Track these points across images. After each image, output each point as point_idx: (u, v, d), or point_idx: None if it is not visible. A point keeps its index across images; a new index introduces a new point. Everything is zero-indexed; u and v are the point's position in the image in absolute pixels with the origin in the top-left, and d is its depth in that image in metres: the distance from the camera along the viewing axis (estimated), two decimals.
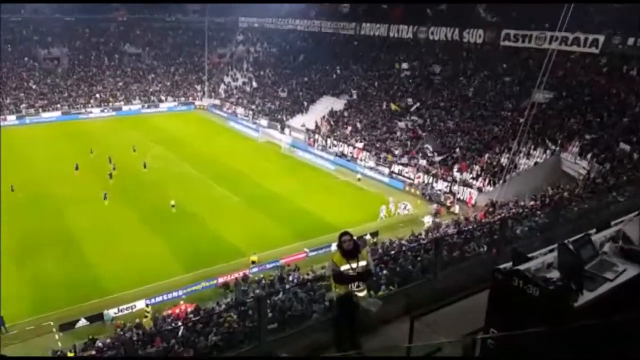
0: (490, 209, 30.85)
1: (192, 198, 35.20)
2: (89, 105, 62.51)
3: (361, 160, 44.00)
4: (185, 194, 35.49)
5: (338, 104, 53.99)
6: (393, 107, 47.09)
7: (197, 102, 69.44)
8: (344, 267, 5.80)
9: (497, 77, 44.71)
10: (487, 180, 34.88)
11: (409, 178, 39.48)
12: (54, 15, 67.26)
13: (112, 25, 75.20)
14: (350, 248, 6.02)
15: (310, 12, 67.61)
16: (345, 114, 51.61)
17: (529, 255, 5.40)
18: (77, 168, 39.63)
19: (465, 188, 35.36)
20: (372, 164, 42.83)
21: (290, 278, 22.89)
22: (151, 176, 39.89)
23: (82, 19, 72.03)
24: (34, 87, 62.26)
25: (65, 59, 67.86)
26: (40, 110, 59.07)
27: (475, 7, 48.22)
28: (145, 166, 40.95)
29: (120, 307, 22.57)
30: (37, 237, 28.73)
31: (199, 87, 71.33)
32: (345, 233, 6.12)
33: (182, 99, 69.26)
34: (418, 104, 46.36)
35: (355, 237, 6.15)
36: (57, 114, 59.26)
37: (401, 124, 44.95)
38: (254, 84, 67.03)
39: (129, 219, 31.81)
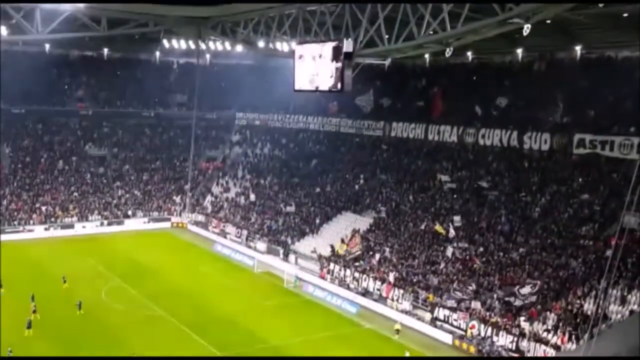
0: None
1: (157, 351, 34.61)
2: (30, 222, 64.11)
3: (392, 300, 43.66)
4: (151, 347, 34.97)
5: (361, 223, 54.89)
6: (438, 228, 47.67)
7: (174, 219, 71.01)
8: None
9: (571, 194, 45.62)
10: (567, 334, 34.15)
11: (459, 328, 38.76)
12: None
13: (73, 120, 79.38)
14: None
15: (326, 108, 71.23)
16: (371, 237, 52.18)
17: None
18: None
19: (537, 344, 34.52)
20: (407, 306, 42.39)
21: None
22: (99, 321, 39.62)
23: (34, 111, 76.12)
24: None
25: (5, 161, 70.85)
26: None
27: (539, 106, 50.73)
28: (80, 307, 40.39)
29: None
30: None
31: (178, 199, 73.36)
32: None
33: (155, 214, 70.96)
34: (460, 225, 46.97)
35: None
36: None
37: (449, 251, 45.19)
38: (252, 196, 68.90)
39: None
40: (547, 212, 45.24)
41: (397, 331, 39.19)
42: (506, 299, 38.69)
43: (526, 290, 37.99)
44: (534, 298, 37.65)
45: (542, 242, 42.44)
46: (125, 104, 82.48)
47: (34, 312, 39.11)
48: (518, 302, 37.90)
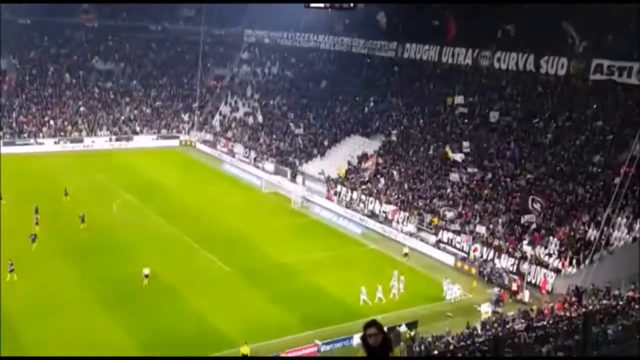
0: (573, 299, 30.80)
1: (168, 266, 35.86)
2: (40, 135, 64.76)
3: (398, 222, 44.50)
4: (159, 261, 36.17)
5: (370, 146, 55.20)
6: (448, 153, 47.84)
7: (182, 137, 71.49)
8: None
9: (584, 121, 45.46)
10: (568, 259, 34.94)
11: (462, 250, 39.69)
12: (3, 16, 68.92)
13: (79, 32, 78.60)
14: (377, 344, 5.52)
15: (337, 26, 69.99)
16: (380, 160, 52.57)
17: None
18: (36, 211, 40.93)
19: (538, 268, 35.42)
20: (412, 228, 43.24)
21: None
22: (109, 235, 40.70)
23: (39, 22, 75.23)
24: None
25: (12, 73, 70.88)
26: None
27: (560, 28, 49.66)
28: (83, 220, 41.24)
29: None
30: None
31: (186, 117, 73.60)
32: (372, 323, 5.63)
33: (164, 131, 71.42)
34: (470, 151, 47.10)
35: (385, 329, 5.76)
36: None
37: (455, 176, 45.58)
38: (260, 117, 68.95)
39: (75, 291, 32.33)
40: (558, 138, 45.24)
41: (406, 255, 39.96)
42: (510, 223, 39.40)
43: (529, 217, 38.61)
44: (535, 225, 38.28)
45: (550, 169, 42.70)
46: (130, 17, 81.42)
47: (37, 224, 39.98)
48: (522, 227, 38.63)
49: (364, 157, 53.70)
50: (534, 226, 38.04)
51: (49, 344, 27.12)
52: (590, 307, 27.37)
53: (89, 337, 27.99)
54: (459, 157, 47.13)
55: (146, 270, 33.63)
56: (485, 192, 43.22)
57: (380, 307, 32.12)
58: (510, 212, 40.37)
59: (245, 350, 26.80)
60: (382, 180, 49.33)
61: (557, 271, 34.82)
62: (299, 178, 55.43)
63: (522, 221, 38.67)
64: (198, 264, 37.25)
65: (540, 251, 36.43)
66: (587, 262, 33.86)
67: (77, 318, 29.65)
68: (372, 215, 46.75)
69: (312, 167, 56.56)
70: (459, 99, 54.04)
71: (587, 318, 23.95)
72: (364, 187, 49.68)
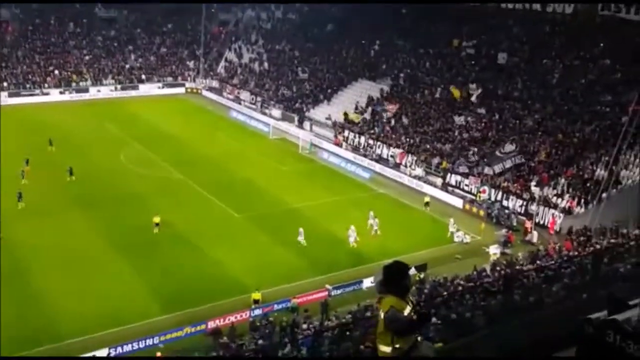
0: (581, 239, 30.83)
1: (178, 214, 35.93)
2: (45, 85, 64.23)
3: (405, 166, 44.32)
4: (169, 209, 36.19)
5: (376, 90, 54.49)
6: (455, 92, 47.19)
7: (188, 84, 70.79)
8: (406, 312, 5.48)
9: (591, 60, 44.64)
10: (576, 199, 34.82)
11: (469, 192, 39.62)
12: None
13: None
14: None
15: None
16: (386, 104, 52.02)
17: (631, 302, 5.62)
18: (27, 163, 40.69)
19: (546, 208, 35.35)
20: (420, 172, 43.09)
21: (305, 326, 23.22)
22: (119, 184, 40.77)
23: None
24: None
25: (15, 23, 69.86)
26: None
27: None
28: (71, 173, 40.54)
29: (79, 357, 22.98)
30: None
31: (191, 64, 72.72)
32: (403, 265, 5.67)
33: (169, 79, 70.71)
34: (481, 92, 46.52)
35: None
36: (3, 95, 60.82)
37: (460, 119, 45.15)
38: (265, 63, 68.03)
39: (90, 240, 32.55)
40: (565, 78, 44.52)
41: (427, 204, 38.81)
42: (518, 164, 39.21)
43: (510, 147, 38.62)
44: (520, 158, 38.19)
45: (557, 108, 42.16)
46: None
47: (23, 177, 39.11)
48: (529, 167, 38.46)
49: (371, 101, 53.14)
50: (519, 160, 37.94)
51: (64, 291, 27.42)
52: (599, 246, 27.40)
53: (102, 284, 28.26)
54: (474, 96, 46.44)
55: (156, 219, 33.74)
56: (491, 134, 42.90)
57: (390, 250, 32.23)
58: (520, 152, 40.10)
59: (257, 295, 26.98)
60: (391, 122, 48.91)
61: (566, 211, 34.75)
62: (307, 124, 55.04)
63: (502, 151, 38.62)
64: (208, 211, 37.30)
65: (549, 192, 36.30)
66: (595, 201, 33.75)
67: (88, 264, 29.88)
68: (380, 159, 46.55)
69: (319, 112, 56.07)
70: (466, 41, 53.08)
71: (596, 257, 24.08)
72: (371, 131, 49.31)
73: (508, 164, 38.69)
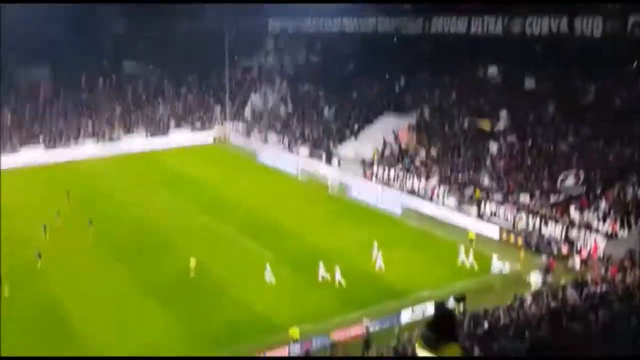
0: (627, 263, 29.62)
1: (212, 258, 35.84)
2: (79, 140, 65.55)
3: (438, 197, 43.59)
4: (204, 254, 36.03)
5: (402, 124, 54.13)
6: (483, 124, 46.70)
7: (216, 131, 71.37)
8: None
9: (625, 77, 43.81)
10: (618, 222, 33.62)
11: (506, 221, 38.61)
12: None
13: (107, 39, 78.93)
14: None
15: (361, 9, 68.96)
16: (414, 137, 51.63)
17: None
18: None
19: (587, 232, 34.16)
20: (452, 203, 42.29)
21: None
22: (154, 230, 40.97)
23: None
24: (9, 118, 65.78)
25: (49, 81, 72.00)
26: (17, 145, 62.19)
27: None
28: (90, 222, 40.42)
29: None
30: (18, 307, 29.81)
31: (218, 112, 73.73)
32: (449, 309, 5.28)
33: (198, 124, 71.63)
34: (508, 120, 45.95)
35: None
36: (39, 148, 62.29)
37: (494, 147, 44.42)
38: (290, 105, 68.49)
39: (128, 286, 32.77)
40: (599, 99, 43.67)
41: (471, 241, 36.64)
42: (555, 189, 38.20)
43: (571, 181, 37.41)
44: (581, 189, 37.02)
45: (593, 130, 41.24)
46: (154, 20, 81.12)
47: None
48: (566, 193, 37.41)
49: (396, 136, 52.83)
50: (580, 191, 36.79)
51: (105, 338, 27.54)
52: None
53: (142, 329, 28.35)
54: (501, 124, 45.81)
55: (193, 262, 33.83)
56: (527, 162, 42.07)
57: (426, 283, 31.51)
58: (555, 178, 39.13)
59: (295, 332, 26.63)
60: (420, 156, 48.39)
61: (609, 236, 33.52)
62: (334, 160, 54.76)
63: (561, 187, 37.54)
64: (238, 254, 37.08)
65: (589, 216, 35.15)
66: (639, 224, 32.52)
67: (129, 311, 30.01)
68: (411, 192, 45.86)
69: (346, 149, 55.78)
70: (492, 70, 52.68)
71: None
72: (399, 165, 48.81)
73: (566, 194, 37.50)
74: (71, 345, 27.29)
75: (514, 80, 50.89)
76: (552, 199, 37.79)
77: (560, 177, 38.27)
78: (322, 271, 32.33)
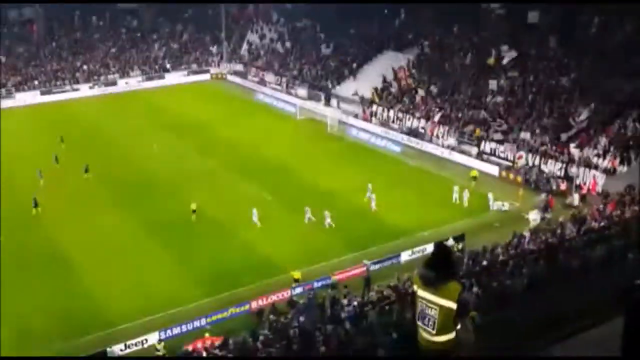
0: (626, 199, 29.83)
1: (211, 200, 35.95)
2: (75, 81, 64.92)
3: (438, 137, 43.58)
4: (203, 196, 36.17)
5: (403, 61, 53.50)
6: (488, 59, 46.14)
7: (212, 70, 70.73)
8: None
9: (628, 14, 43.00)
10: (618, 158, 33.72)
11: (506, 159, 38.69)
12: None
13: None
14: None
15: None
16: (414, 73, 51.17)
17: None
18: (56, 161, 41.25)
19: (587, 169, 34.30)
20: (453, 142, 42.33)
21: (346, 301, 23.05)
22: (153, 173, 41.03)
23: None
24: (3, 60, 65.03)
25: (41, 22, 70.74)
26: (13, 90, 61.67)
27: None
28: (87, 170, 40.13)
29: (128, 343, 23.41)
30: (17, 254, 30.23)
31: (214, 50, 72.78)
32: (447, 246, 5.46)
33: (194, 65, 70.84)
34: (514, 55, 45.32)
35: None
36: (35, 93, 61.82)
37: (493, 84, 44.06)
38: (287, 42, 67.55)
39: (129, 230, 33.00)
40: (601, 35, 42.98)
41: (474, 178, 37.23)
42: (555, 126, 38.13)
43: (583, 116, 37.24)
44: (585, 124, 36.96)
45: (594, 66, 40.77)
46: None
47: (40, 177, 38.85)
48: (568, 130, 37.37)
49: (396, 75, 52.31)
50: (583, 125, 36.68)
51: (111, 283, 27.85)
52: None
53: (145, 272, 28.70)
54: (505, 60, 45.22)
55: (193, 205, 33.96)
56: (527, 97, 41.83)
57: (425, 222, 31.83)
58: (555, 115, 39.02)
59: (296, 274, 27.05)
60: (419, 95, 48.07)
61: (608, 171, 33.67)
62: (333, 101, 54.47)
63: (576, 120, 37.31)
64: (240, 195, 37.12)
65: (589, 152, 35.22)
66: (638, 160, 32.63)
67: (132, 255, 30.32)
68: (411, 132, 45.81)
69: (345, 88, 55.40)
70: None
71: None
72: (399, 104, 48.58)
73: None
74: (69, 279, 27.97)
75: (518, 13, 49.89)
76: (553, 135, 37.75)
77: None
78: (308, 214, 32.47)
